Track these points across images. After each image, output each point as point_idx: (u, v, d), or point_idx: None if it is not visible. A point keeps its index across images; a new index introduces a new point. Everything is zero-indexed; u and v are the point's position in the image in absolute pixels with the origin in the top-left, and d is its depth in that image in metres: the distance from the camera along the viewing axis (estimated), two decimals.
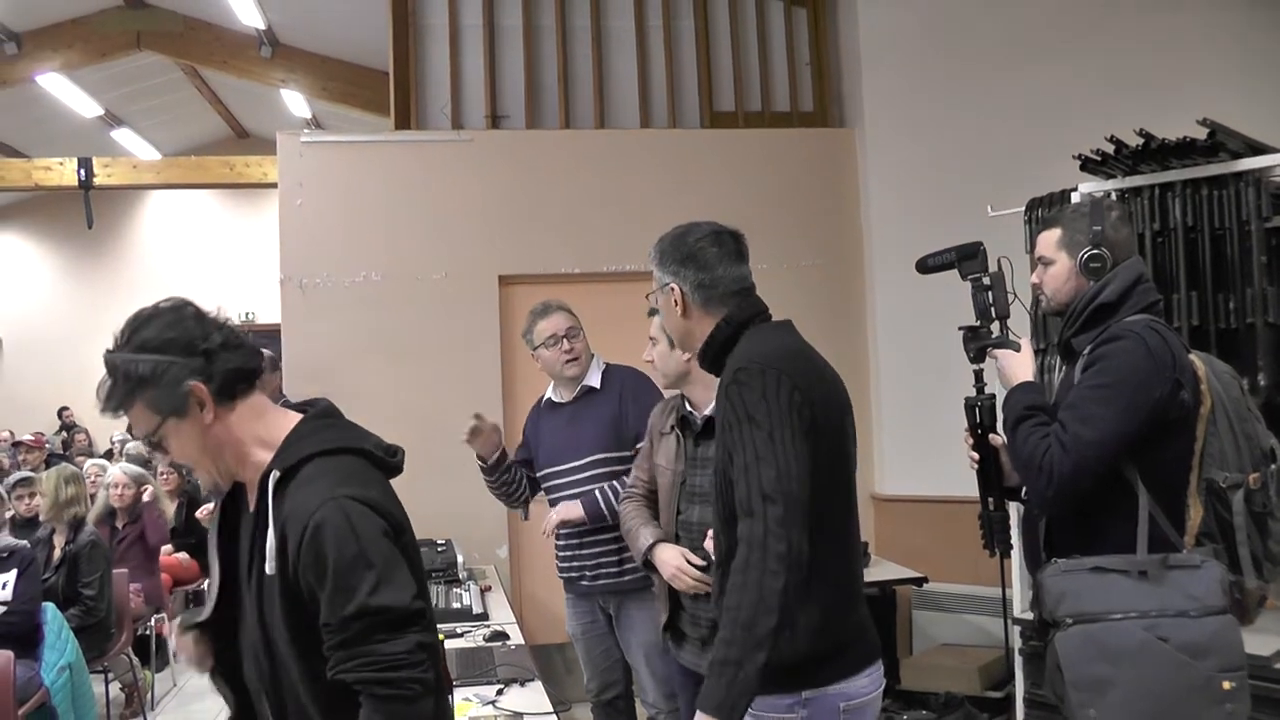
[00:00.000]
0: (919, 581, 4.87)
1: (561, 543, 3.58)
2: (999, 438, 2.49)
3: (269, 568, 1.62)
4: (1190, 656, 2.16)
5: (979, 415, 2.50)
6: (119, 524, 5.90)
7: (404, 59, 5.82)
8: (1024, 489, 2.49)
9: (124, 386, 1.65)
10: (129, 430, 1.71)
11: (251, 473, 1.72)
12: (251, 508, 1.73)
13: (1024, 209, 4.02)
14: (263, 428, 1.72)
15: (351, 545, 1.57)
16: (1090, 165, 3.72)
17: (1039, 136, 4.90)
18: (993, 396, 2.51)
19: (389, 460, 1.76)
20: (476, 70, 5.87)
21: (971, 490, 2.57)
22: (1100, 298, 2.38)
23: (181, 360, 1.65)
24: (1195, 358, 2.40)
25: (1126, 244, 2.45)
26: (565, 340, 3.53)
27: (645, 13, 6.02)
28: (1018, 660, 3.79)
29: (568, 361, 3.53)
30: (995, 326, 2.52)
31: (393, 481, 1.78)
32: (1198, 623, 2.18)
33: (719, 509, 2.11)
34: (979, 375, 2.53)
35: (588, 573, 3.49)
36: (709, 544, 2.59)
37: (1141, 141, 3.53)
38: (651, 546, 2.81)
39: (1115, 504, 2.29)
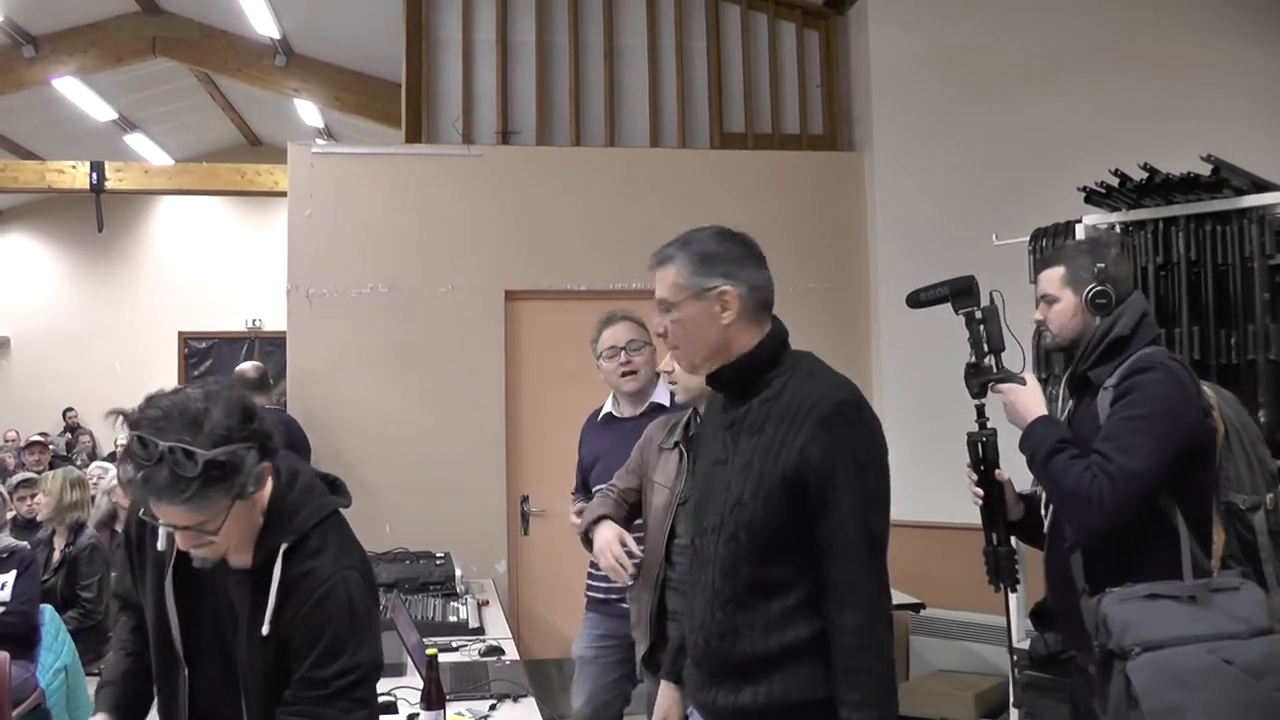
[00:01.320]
0: (917, 607, 4.85)
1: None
2: (1003, 474, 2.50)
3: (266, 628, 1.78)
4: (1250, 677, 2.18)
5: (982, 450, 2.50)
6: (119, 527, 5.90)
7: (417, 72, 5.86)
8: (1046, 523, 2.51)
9: (213, 476, 1.68)
10: (153, 519, 1.76)
11: (250, 533, 1.81)
12: (237, 565, 1.82)
13: (1028, 239, 4.04)
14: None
15: (348, 616, 1.80)
16: (1095, 198, 3.74)
17: (1045, 167, 4.93)
18: (995, 431, 2.52)
19: (344, 500, 1.97)
20: (488, 85, 5.90)
21: (971, 517, 2.58)
22: (1115, 331, 2.42)
23: (256, 444, 1.75)
24: (1205, 386, 2.47)
25: (1126, 280, 2.50)
26: (624, 353, 3.35)
27: (658, 31, 6.06)
28: (1011, 689, 3.79)
29: (625, 374, 3.36)
30: (990, 360, 2.53)
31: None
32: (1249, 644, 2.21)
33: (750, 541, 1.89)
34: (981, 410, 2.53)
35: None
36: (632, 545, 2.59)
37: (1146, 175, 3.54)
38: (596, 521, 2.67)
39: (1151, 531, 2.32)
